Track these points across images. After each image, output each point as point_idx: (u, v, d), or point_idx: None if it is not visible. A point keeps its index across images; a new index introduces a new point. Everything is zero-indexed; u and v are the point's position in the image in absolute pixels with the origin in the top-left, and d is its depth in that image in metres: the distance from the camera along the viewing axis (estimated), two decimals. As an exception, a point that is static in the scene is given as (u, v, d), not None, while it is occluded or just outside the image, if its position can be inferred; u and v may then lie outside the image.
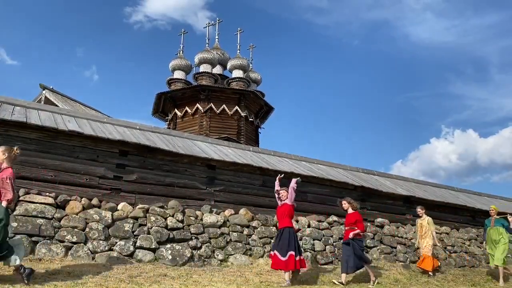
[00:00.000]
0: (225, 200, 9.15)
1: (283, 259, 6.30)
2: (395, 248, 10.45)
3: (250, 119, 20.74)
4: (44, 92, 15.39)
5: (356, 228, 7.19)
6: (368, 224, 10.64)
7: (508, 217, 8.83)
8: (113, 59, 60.99)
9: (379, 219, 10.89)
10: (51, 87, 15.78)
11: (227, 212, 8.79)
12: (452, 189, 15.23)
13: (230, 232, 8.43)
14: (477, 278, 9.26)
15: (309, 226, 9.59)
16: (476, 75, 60.34)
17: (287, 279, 6.29)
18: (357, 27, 59.95)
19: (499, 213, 9.15)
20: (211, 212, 8.57)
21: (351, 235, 7.08)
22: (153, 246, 7.28)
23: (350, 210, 7.44)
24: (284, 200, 6.88)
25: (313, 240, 9.28)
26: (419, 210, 9.33)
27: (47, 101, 14.69)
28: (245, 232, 8.60)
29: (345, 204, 7.49)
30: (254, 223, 8.88)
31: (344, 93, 62.43)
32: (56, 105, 13.69)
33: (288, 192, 6.87)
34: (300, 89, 62.17)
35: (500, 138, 56.85)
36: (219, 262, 7.76)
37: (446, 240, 11.57)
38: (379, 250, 10.03)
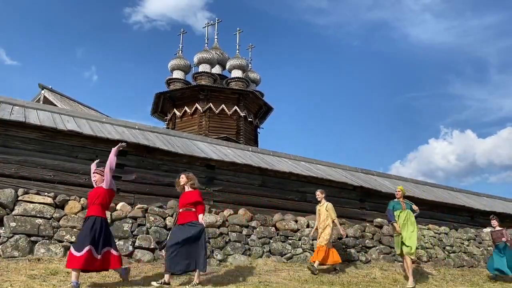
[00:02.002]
0: (224, 200, 9.14)
1: (77, 254, 4.89)
2: (394, 248, 10.45)
3: (249, 119, 20.74)
4: (43, 92, 15.38)
5: (194, 209, 5.71)
6: (367, 224, 10.66)
7: (413, 206, 7.83)
8: (112, 59, 61.01)
9: (378, 219, 10.89)
10: (50, 86, 15.76)
11: (226, 212, 8.79)
12: (451, 189, 15.24)
13: (229, 232, 8.42)
14: (476, 278, 9.26)
15: (308, 226, 9.58)
16: (475, 76, 60.47)
17: (73, 279, 4.81)
18: (356, 28, 60.03)
19: (405, 197, 8.14)
20: (210, 212, 8.56)
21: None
22: (152, 246, 7.28)
23: (187, 188, 5.90)
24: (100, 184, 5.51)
25: (312, 240, 9.28)
26: (318, 194, 8.14)
27: (46, 101, 14.68)
28: (244, 232, 8.60)
29: (182, 178, 5.92)
30: (253, 223, 8.88)
31: (343, 94, 62.51)
32: (55, 105, 13.68)
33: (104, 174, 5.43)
34: (299, 90, 62.24)
35: (499, 139, 57.00)
36: (218, 262, 7.76)
37: (445, 240, 11.57)
38: (378, 250, 10.04)
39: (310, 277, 7.12)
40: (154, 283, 5.34)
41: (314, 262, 7.53)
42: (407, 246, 7.38)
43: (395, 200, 7.93)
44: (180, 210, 5.76)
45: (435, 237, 11.54)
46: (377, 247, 10.12)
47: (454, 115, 63.46)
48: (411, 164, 60.48)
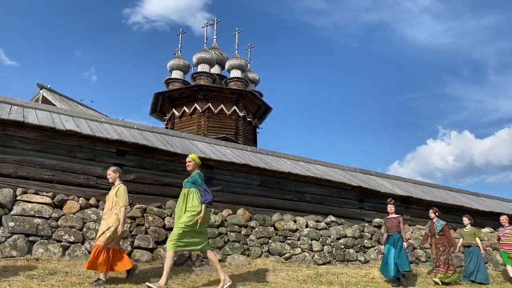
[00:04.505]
0: (223, 200, 9.14)
1: None
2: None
3: (248, 119, 20.73)
4: (41, 91, 15.33)
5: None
6: (366, 224, 10.67)
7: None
8: (111, 60, 61.02)
9: (377, 220, 10.90)
10: (48, 86, 15.72)
11: (225, 212, 8.79)
12: (450, 190, 15.26)
13: (228, 232, 8.42)
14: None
15: (307, 226, 9.59)
16: (473, 77, 60.59)
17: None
18: (355, 29, 60.12)
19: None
20: (209, 212, 8.56)
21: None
22: (151, 246, 7.27)
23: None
24: None
25: (311, 240, 9.28)
26: (110, 173, 5.79)
27: (45, 101, 14.64)
28: (242, 232, 8.60)
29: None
30: (252, 223, 8.88)
31: (342, 94, 62.56)
32: (54, 105, 13.65)
33: None
34: (298, 90, 62.26)
35: (496, 140, 57.14)
36: (216, 262, 7.74)
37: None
38: (376, 250, 10.04)
39: (308, 277, 7.12)
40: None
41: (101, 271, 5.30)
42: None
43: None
44: None
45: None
46: (375, 247, 10.13)
47: (452, 116, 63.61)
48: (409, 165, 60.61)
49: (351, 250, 9.68)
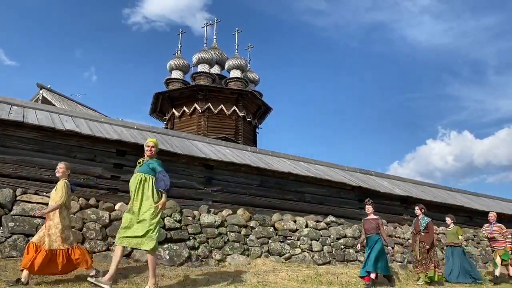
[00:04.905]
0: (223, 200, 9.14)
1: None
2: (393, 248, 10.46)
3: (248, 119, 20.73)
4: (41, 91, 15.33)
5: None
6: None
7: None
8: (111, 60, 61.04)
9: (377, 219, 10.89)
10: (48, 86, 15.72)
11: (225, 212, 8.79)
12: (450, 190, 15.26)
13: (228, 232, 8.42)
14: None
15: (306, 226, 9.59)
16: (473, 77, 60.62)
17: None
18: (355, 29, 60.14)
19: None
20: (208, 212, 8.56)
21: None
22: (151, 246, 7.26)
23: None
24: None
25: (311, 240, 9.28)
26: (62, 167, 5.44)
27: (45, 101, 14.64)
28: (242, 232, 8.60)
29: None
30: (252, 223, 8.88)
31: (342, 94, 62.57)
32: (54, 105, 13.65)
33: None
34: (298, 90, 62.27)
35: (496, 140, 57.17)
36: (216, 262, 7.75)
37: (443, 240, 11.58)
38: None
39: (308, 277, 7.12)
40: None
41: (23, 270, 4.88)
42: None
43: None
44: None
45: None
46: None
47: (452, 116, 63.63)
48: (409, 165, 60.63)
49: (351, 250, 9.68)
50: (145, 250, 4.98)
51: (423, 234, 7.79)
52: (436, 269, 7.62)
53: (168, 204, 8.14)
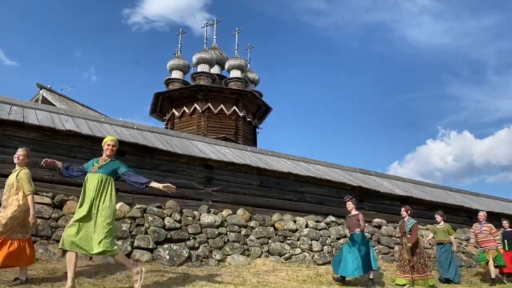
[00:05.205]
0: (223, 200, 9.14)
1: None
2: (393, 248, 10.47)
3: (248, 119, 20.73)
4: (41, 91, 15.33)
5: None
6: (366, 224, 10.65)
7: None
8: (111, 60, 61.08)
9: (377, 220, 10.91)
10: (48, 86, 15.72)
11: (225, 212, 8.79)
12: (450, 190, 15.27)
13: (228, 232, 8.42)
14: (474, 278, 9.29)
15: (306, 226, 9.59)
16: (473, 77, 60.64)
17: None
18: (355, 29, 60.16)
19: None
20: (208, 212, 8.56)
21: None
22: (151, 246, 7.27)
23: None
24: None
25: (311, 240, 9.28)
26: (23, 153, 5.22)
27: (45, 101, 14.63)
28: (242, 232, 8.60)
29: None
30: (252, 223, 8.88)
31: (342, 94, 62.59)
32: (54, 105, 13.65)
33: None
34: (298, 90, 62.29)
35: (496, 140, 57.19)
36: (216, 262, 7.75)
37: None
38: (376, 251, 10.04)
39: (308, 277, 7.12)
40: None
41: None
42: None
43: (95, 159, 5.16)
44: None
45: (433, 237, 11.54)
46: (375, 247, 10.12)
47: (452, 116, 63.66)
48: (409, 165, 60.64)
49: (351, 250, 9.68)
50: (110, 255, 4.80)
51: (408, 236, 7.44)
52: (430, 274, 7.30)
53: (168, 204, 8.17)
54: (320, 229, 9.72)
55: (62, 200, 7.13)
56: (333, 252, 9.42)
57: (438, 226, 8.80)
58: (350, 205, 7.30)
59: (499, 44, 56.48)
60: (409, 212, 7.74)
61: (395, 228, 11.11)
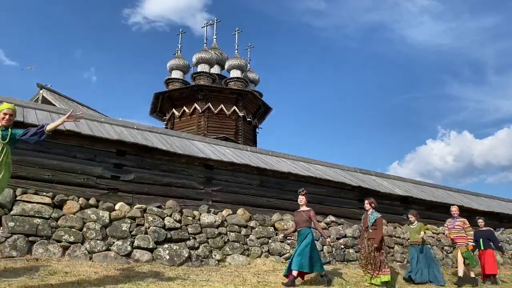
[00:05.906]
0: (223, 200, 9.14)
1: None
2: (393, 248, 10.46)
3: (248, 119, 20.74)
4: (41, 91, 15.32)
5: None
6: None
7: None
8: (111, 60, 61.07)
9: (377, 219, 10.89)
10: (49, 85, 15.71)
11: (225, 212, 8.79)
12: (449, 190, 15.26)
13: (228, 232, 8.42)
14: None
15: (306, 226, 9.58)
16: (473, 77, 60.65)
17: None
18: (354, 30, 60.17)
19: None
20: (208, 212, 8.56)
21: None
22: (151, 246, 7.27)
23: None
24: None
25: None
26: None
27: (45, 101, 14.63)
28: (242, 232, 8.60)
29: None
30: (252, 223, 8.88)
31: (342, 94, 62.59)
32: (54, 105, 13.64)
33: None
34: (298, 90, 62.29)
35: (496, 140, 57.22)
36: (216, 262, 7.75)
37: (443, 240, 11.59)
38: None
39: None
40: None
41: None
42: None
43: None
44: None
45: (433, 237, 11.56)
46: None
47: (452, 116, 63.68)
48: (408, 165, 60.66)
49: (351, 250, 9.68)
50: None
51: (371, 230, 7.07)
52: (386, 271, 6.97)
53: (168, 204, 8.17)
54: (320, 229, 9.71)
55: (62, 200, 7.12)
56: (333, 252, 9.43)
57: (411, 227, 8.47)
58: (302, 199, 6.99)
59: (499, 44, 56.54)
60: (372, 205, 7.33)
61: (395, 228, 11.11)
